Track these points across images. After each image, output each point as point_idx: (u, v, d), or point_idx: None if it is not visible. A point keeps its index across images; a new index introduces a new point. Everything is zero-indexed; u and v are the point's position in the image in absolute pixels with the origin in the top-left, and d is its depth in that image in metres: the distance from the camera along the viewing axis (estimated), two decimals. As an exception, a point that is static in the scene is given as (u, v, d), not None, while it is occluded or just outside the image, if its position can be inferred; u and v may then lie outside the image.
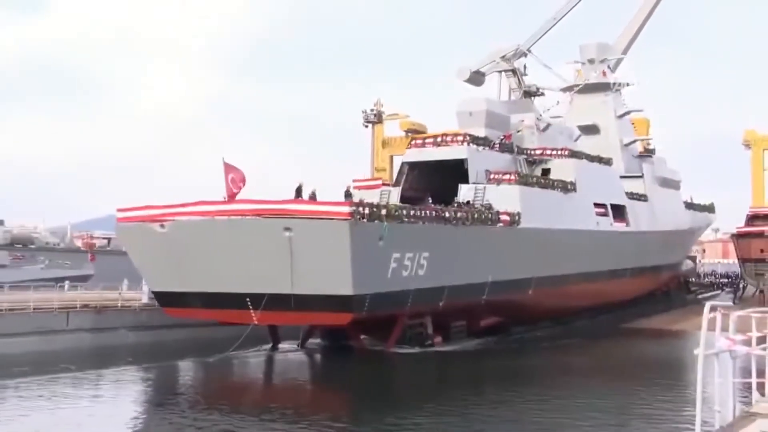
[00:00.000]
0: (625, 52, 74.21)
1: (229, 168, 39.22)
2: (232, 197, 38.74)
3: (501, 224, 46.17)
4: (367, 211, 36.61)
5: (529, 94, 65.68)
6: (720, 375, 10.41)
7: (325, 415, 27.06)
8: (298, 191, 39.63)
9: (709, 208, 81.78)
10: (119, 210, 40.31)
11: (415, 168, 51.89)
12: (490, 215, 45.40)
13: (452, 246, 41.74)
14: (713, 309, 10.63)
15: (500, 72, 66.31)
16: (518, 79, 65.72)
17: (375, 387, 34.68)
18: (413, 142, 51.72)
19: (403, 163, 51.88)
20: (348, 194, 40.84)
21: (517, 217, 46.95)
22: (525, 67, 67.54)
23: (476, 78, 64.87)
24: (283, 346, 42.69)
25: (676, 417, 25.52)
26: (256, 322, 38.17)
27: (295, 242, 35.44)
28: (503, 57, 65.50)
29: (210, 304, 38.30)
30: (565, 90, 69.65)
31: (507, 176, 48.83)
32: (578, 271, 53.86)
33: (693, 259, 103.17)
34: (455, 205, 46.31)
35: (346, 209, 35.60)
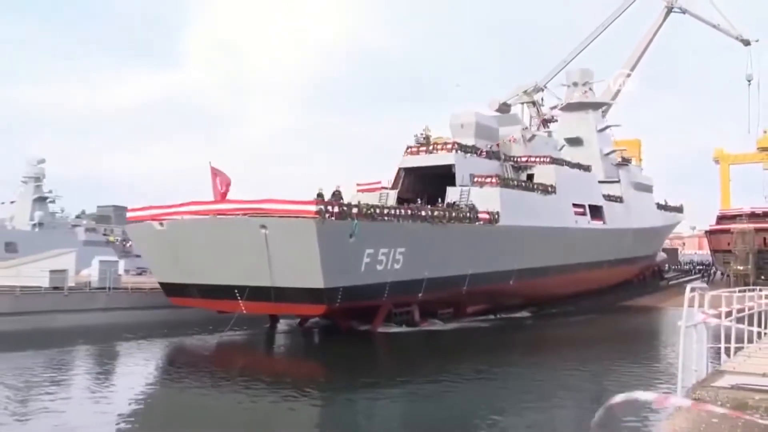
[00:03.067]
0: (613, 98, 70.02)
1: (215, 172, 33.85)
2: (222, 197, 33.32)
3: (480, 222, 40.87)
4: (336, 209, 31.01)
5: (546, 121, 63.39)
6: (697, 342, 10.54)
7: (301, 380, 24.61)
8: (335, 195, 35.13)
9: (679, 209, 76.09)
10: (129, 210, 36.53)
11: (411, 173, 47.00)
12: (468, 214, 39.72)
13: (429, 242, 36.92)
14: (692, 290, 10.77)
15: (523, 103, 63.86)
16: (537, 109, 63.77)
17: (355, 358, 30.23)
18: (409, 150, 46.17)
19: (399, 169, 47.01)
20: (336, 194, 34.72)
21: (496, 216, 41.64)
22: (542, 99, 65.84)
23: (504, 108, 61.90)
24: (282, 326, 38.28)
25: (661, 374, 24.85)
26: (244, 311, 33.99)
27: (271, 239, 31.20)
28: (525, 91, 63.87)
29: (205, 295, 34.29)
30: (553, 108, 63.74)
31: (489, 179, 43.58)
32: (558, 263, 48.64)
33: (674, 251, 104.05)
34: (442, 205, 41.41)
35: (313, 208, 30.90)
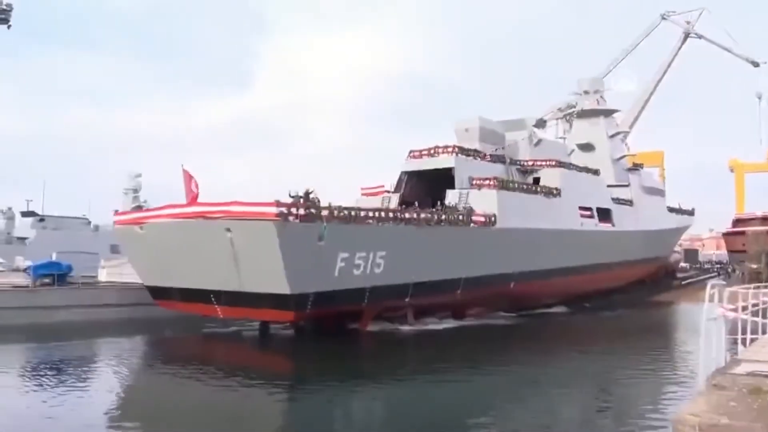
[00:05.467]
0: (630, 127, 63.50)
1: (189, 175, 27.75)
2: (193, 200, 27.22)
3: (474, 225, 33.86)
4: (302, 211, 24.36)
5: None
6: (716, 333, 9.92)
7: (272, 373, 21.54)
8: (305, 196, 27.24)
9: (690, 212, 66.54)
10: (115, 214, 31.00)
11: (413, 176, 40.08)
12: (461, 217, 32.64)
13: (415, 245, 30.19)
14: (713, 287, 10.12)
15: (556, 120, 58.81)
16: (570, 125, 58.03)
17: (338, 355, 24.74)
18: (412, 153, 39.25)
19: (402, 172, 40.37)
20: (306, 196, 27.15)
21: (492, 219, 34.45)
22: (573, 115, 59.09)
23: (540, 123, 55.90)
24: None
25: (684, 363, 22.39)
26: (221, 316, 28.13)
27: (236, 242, 25.42)
28: (559, 109, 59.04)
29: (186, 298, 28.58)
30: (566, 116, 55.91)
31: (488, 182, 36.49)
32: (563, 266, 41.06)
33: (695, 251, 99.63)
34: (441, 208, 34.69)
35: (273, 210, 24.45)
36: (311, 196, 27.54)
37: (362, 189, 40.87)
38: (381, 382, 19.45)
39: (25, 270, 34.49)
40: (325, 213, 26.01)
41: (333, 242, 26.03)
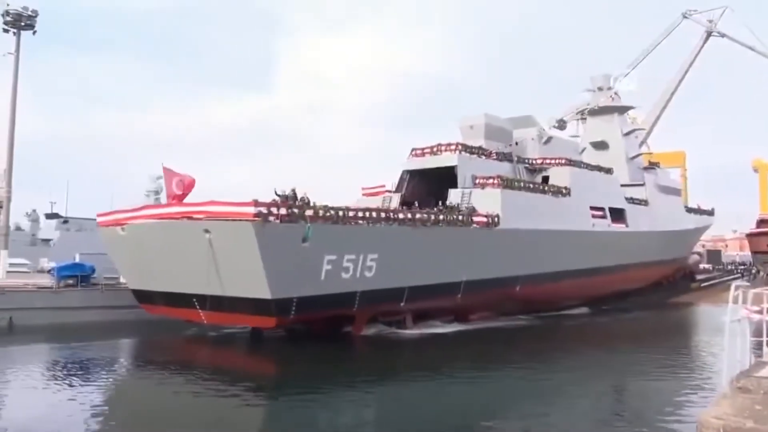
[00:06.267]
0: (651, 127, 61.51)
1: (170, 173, 26.03)
2: (179, 199, 25.58)
3: (475, 226, 31.52)
4: (283, 211, 22.56)
5: None
6: (740, 335, 9.49)
7: (252, 377, 20.33)
8: (289, 196, 25.51)
9: (709, 212, 63.17)
10: (98, 215, 28.73)
11: (415, 175, 37.79)
12: (461, 217, 30.50)
13: (410, 247, 28.00)
14: (737, 288, 9.75)
15: (576, 120, 57.87)
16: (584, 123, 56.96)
17: (322, 359, 23.07)
18: (414, 152, 37.19)
19: (403, 171, 38.08)
20: (291, 195, 25.21)
21: (495, 219, 32.24)
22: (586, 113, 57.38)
23: (561, 124, 55.74)
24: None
25: (706, 365, 22.01)
26: (205, 322, 26.10)
27: (215, 244, 23.39)
28: (578, 110, 58.04)
29: (170, 303, 26.58)
30: (580, 113, 53.47)
31: (491, 180, 34.16)
32: (573, 268, 38.43)
33: (717, 252, 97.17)
34: (442, 208, 32.48)
35: (251, 210, 22.38)
36: (302, 195, 25.88)
37: (363, 189, 38.90)
38: (355, 388, 18.08)
39: (49, 271, 34.21)
40: (309, 213, 23.95)
41: (318, 244, 23.91)
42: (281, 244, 22.87)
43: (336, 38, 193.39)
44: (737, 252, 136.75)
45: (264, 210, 22.53)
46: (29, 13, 35.46)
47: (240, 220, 22.52)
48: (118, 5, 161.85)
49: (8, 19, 35.16)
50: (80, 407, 15.35)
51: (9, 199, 36.27)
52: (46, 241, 60.94)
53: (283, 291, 23.27)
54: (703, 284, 61.19)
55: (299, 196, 25.80)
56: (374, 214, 26.50)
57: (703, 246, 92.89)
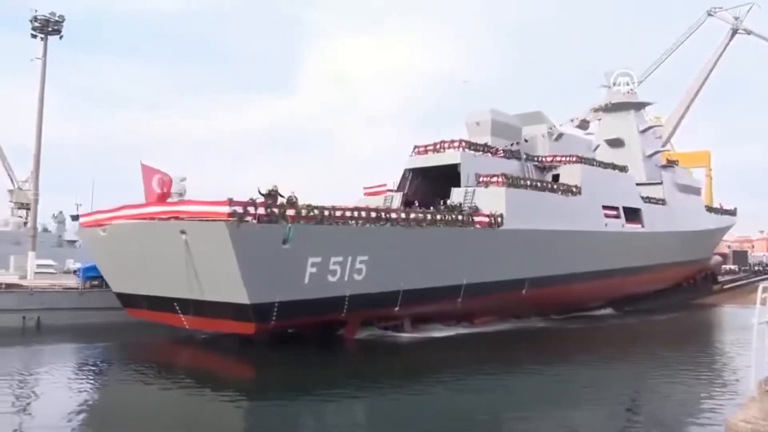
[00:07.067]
0: (675, 126, 59.78)
1: (150, 171, 24.43)
2: (161, 199, 24.01)
3: (477, 226, 29.33)
4: (261, 211, 20.85)
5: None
6: None
7: (234, 380, 19.65)
8: (270, 195, 23.04)
9: (732, 212, 59.66)
10: (82, 215, 27.10)
11: (418, 174, 35.57)
12: (461, 217, 28.48)
13: (405, 249, 25.92)
14: (765, 290, 9.47)
15: (598, 120, 53.43)
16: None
17: (304, 363, 21.77)
18: (416, 149, 35.20)
19: (405, 170, 35.91)
20: (272, 194, 23.09)
21: (499, 219, 29.94)
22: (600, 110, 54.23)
23: (583, 124, 52.80)
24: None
25: (736, 367, 20.89)
26: (187, 327, 24.23)
27: (192, 246, 21.54)
28: (593, 108, 53.70)
29: (152, 307, 24.89)
30: (595, 110, 50.84)
31: (495, 179, 31.90)
32: (584, 270, 35.87)
33: (744, 253, 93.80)
34: (442, 207, 30.48)
35: (225, 209, 20.43)
36: (290, 194, 24.04)
37: (364, 188, 37.04)
38: (337, 394, 16.81)
39: (74, 272, 33.94)
40: (291, 213, 22.03)
41: (301, 245, 21.93)
42: (259, 246, 21.05)
43: (360, 38, 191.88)
44: (764, 253, 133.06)
45: (239, 209, 20.70)
46: (56, 18, 35.19)
47: (214, 220, 20.87)
48: (142, 8, 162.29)
49: (36, 24, 34.89)
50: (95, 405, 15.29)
51: (36, 201, 36.56)
52: (72, 242, 60.60)
53: (263, 295, 21.43)
54: (725, 286, 58.09)
55: (287, 196, 23.91)
56: (363, 214, 24.63)
57: (729, 246, 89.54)
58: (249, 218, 20.96)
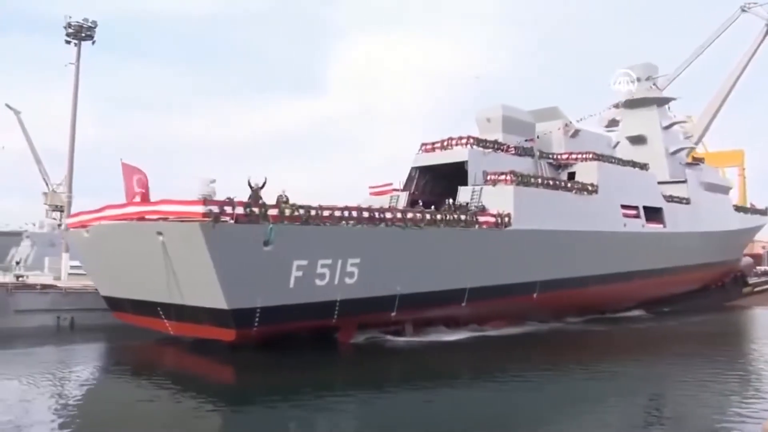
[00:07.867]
0: (707, 126, 55.41)
1: (130, 170, 23.06)
2: (142, 198, 22.64)
3: (483, 226, 27.27)
4: (240, 210, 19.29)
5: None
6: None
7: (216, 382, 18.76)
8: (253, 193, 20.98)
9: (762, 212, 55.87)
10: (69, 216, 25.70)
11: (426, 172, 33.67)
12: (464, 217, 26.64)
13: (402, 251, 24.01)
14: None
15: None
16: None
17: (297, 368, 19.80)
18: (424, 147, 33.34)
19: (412, 168, 33.98)
20: (255, 192, 21.14)
21: (506, 219, 27.84)
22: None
23: (612, 123, 50.17)
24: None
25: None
26: (171, 332, 22.68)
27: (169, 248, 19.91)
28: (614, 104, 50.39)
29: (137, 311, 23.46)
30: (616, 106, 48.20)
31: (503, 177, 29.77)
32: (602, 272, 33.51)
33: None
34: (447, 207, 28.67)
35: (199, 209, 18.78)
36: (281, 193, 22.45)
37: (370, 188, 35.29)
38: (322, 399, 15.61)
39: None
40: (273, 212, 20.27)
41: (285, 247, 20.11)
42: (237, 248, 19.41)
43: (388, 39, 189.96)
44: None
45: (215, 209, 19.13)
46: (89, 24, 35.52)
47: (189, 220, 19.38)
48: (170, 13, 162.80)
49: (70, 31, 35.18)
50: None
51: (70, 204, 36.14)
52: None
53: (243, 300, 19.77)
54: (756, 288, 54.70)
55: (277, 195, 22.20)
56: (354, 214, 22.90)
57: (764, 247, 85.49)
58: (226, 218, 19.39)
